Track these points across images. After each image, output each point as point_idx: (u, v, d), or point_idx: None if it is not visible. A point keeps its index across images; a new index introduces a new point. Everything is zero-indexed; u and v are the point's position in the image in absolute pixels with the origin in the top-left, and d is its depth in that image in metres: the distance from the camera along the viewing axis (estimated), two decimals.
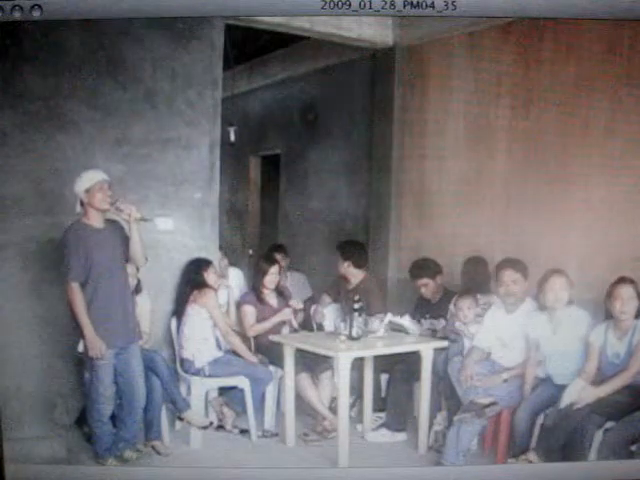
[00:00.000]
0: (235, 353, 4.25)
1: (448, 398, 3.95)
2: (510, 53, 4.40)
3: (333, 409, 4.12)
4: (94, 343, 3.47)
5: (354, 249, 4.74)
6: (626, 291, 3.50)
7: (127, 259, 3.66)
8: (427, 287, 4.40)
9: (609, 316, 3.56)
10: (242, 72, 6.54)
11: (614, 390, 3.44)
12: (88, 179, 3.51)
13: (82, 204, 3.54)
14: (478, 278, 4.25)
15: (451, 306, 4.13)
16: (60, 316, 3.71)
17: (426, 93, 5.00)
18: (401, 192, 5.23)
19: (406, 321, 4.17)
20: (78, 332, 3.48)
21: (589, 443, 3.31)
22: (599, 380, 3.52)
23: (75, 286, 3.46)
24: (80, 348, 3.52)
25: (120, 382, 3.64)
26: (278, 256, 5.08)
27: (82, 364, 3.61)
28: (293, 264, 5.32)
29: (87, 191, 3.51)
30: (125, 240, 3.64)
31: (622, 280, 3.52)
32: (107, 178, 3.55)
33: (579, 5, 2.27)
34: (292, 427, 4.06)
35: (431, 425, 3.94)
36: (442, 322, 4.23)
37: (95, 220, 3.55)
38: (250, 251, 6.85)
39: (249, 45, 5.56)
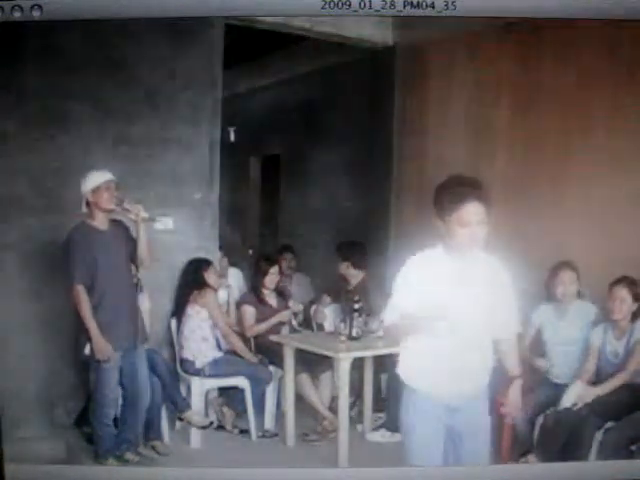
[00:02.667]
0: (235, 353, 4.26)
1: None
2: (510, 53, 4.39)
3: (333, 409, 4.12)
4: (101, 346, 3.46)
5: (353, 250, 4.74)
6: (620, 292, 3.53)
7: (133, 260, 3.66)
8: None
9: (608, 317, 3.59)
10: (242, 72, 6.54)
11: (613, 389, 3.45)
12: (94, 179, 3.50)
13: (88, 204, 3.53)
14: None
15: None
16: (60, 316, 3.71)
17: (426, 93, 4.99)
18: (401, 192, 5.22)
19: None
20: (84, 335, 3.47)
21: (589, 443, 3.31)
22: (598, 380, 3.53)
23: (80, 289, 3.44)
24: (86, 351, 3.49)
25: (125, 384, 3.64)
26: (287, 257, 5.07)
27: (86, 365, 3.59)
28: (298, 264, 5.33)
29: (93, 191, 3.49)
30: (130, 241, 3.63)
31: (617, 281, 3.54)
32: (113, 178, 3.53)
33: (579, 5, 2.27)
34: (292, 427, 4.07)
35: None
36: None
37: (100, 221, 3.54)
38: (250, 251, 6.86)
39: (249, 45, 5.56)
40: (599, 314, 3.68)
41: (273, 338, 4.25)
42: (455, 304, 2.35)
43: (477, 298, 2.44)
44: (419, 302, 2.41)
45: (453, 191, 2.44)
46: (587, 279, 3.74)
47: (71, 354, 3.71)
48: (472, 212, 2.40)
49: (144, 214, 3.59)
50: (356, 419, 4.28)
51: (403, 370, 2.68)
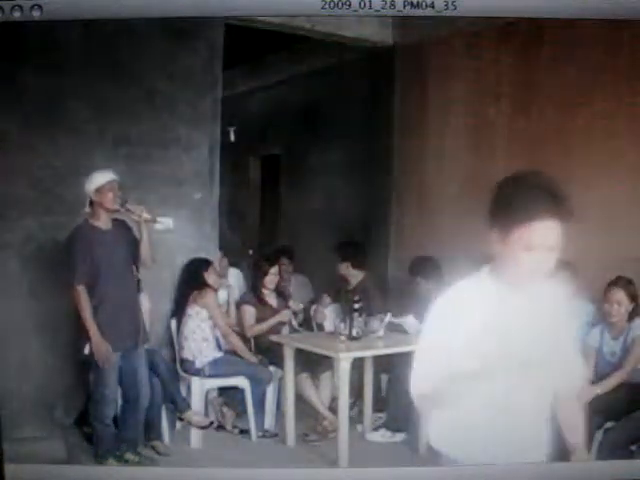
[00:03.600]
0: (235, 353, 4.26)
1: None
2: (510, 53, 4.40)
3: (333, 409, 4.12)
4: (100, 347, 3.46)
5: (353, 250, 4.75)
6: (617, 294, 3.53)
7: (134, 260, 3.66)
8: (420, 286, 4.41)
9: (605, 318, 3.60)
10: (242, 72, 6.54)
11: (611, 387, 3.45)
12: (98, 179, 3.50)
13: (91, 204, 3.53)
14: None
15: None
16: (61, 316, 3.71)
17: (426, 93, 5.00)
18: (401, 192, 5.22)
19: (409, 320, 4.15)
20: (84, 335, 3.47)
21: (589, 443, 3.32)
22: (597, 380, 3.54)
23: (81, 289, 3.44)
24: (86, 350, 3.49)
25: (125, 384, 3.64)
26: (284, 259, 5.07)
27: (86, 365, 3.60)
28: (295, 266, 5.33)
29: (97, 191, 3.50)
30: (133, 241, 3.64)
31: (614, 283, 3.54)
32: (117, 178, 3.54)
33: (579, 5, 2.27)
34: (292, 427, 4.07)
35: None
36: None
37: (103, 221, 3.54)
38: (250, 251, 6.86)
39: (249, 45, 5.56)
40: (596, 314, 3.69)
41: (273, 338, 4.24)
42: (507, 352, 1.71)
43: (535, 342, 1.77)
44: (458, 355, 1.71)
45: (522, 201, 1.72)
46: (584, 278, 3.73)
47: (71, 354, 3.71)
48: (544, 233, 1.71)
49: (147, 215, 3.60)
50: (356, 419, 4.27)
51: (437, 437, 1.98)
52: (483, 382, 1.72)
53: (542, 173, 1.83)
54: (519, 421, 1.82)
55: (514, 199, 1.73)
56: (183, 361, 4.17)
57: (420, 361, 1.82)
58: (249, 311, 4.50)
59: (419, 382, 1.81)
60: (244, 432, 4.20)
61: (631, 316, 3.54)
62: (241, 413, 4.23)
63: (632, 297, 3.54)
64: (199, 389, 4.09)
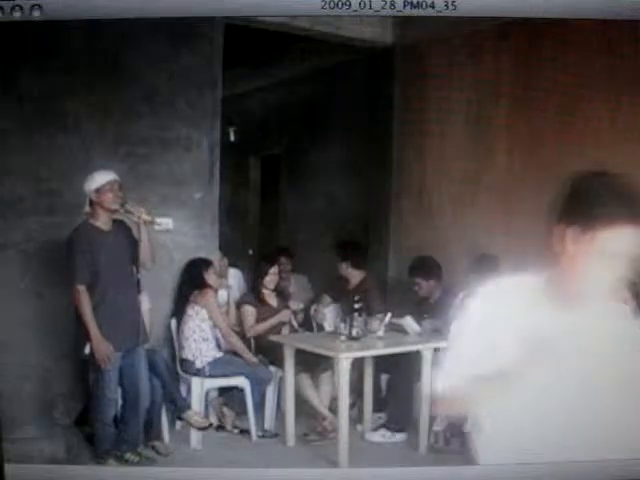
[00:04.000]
0: (235, 353, 4.26)
1: None
2: (510, 53, 4.40)
3: (333, 409, 4.12)
4: (100, 347, 3.46)
5: (352, 250, 4.75)
6: (621, 293, 3.52)
7: (134, 261, 3.66)
8: (420, 287, 4.41)
9: None
10: (242, 72, 6.53)
11: None
12: (98, 179, 3.50)
13: (91, 204, 3.53)
14: (487, 276, 4.24)
15: (457, 301, 4.10)
16: (60, 316, 3.71)
17: (426, 93, 4.99)
18: (401, 192, 5.22)
19: (407, 321, 4.16)
20: (84, 335, 3.47)
21: None
22: None
23: (81, 289, 3.45)
24: (86, 350, 3.50)
25: (125, 384, 3.64)
26: (283, 259, 5.08)
27: (86, 365, 3.60)
28: (295, 265, 5.33)
29: (97, 191, 3.50)
30: (133, 242, 3.63)
31: None
32: (118, 179, 3.54)
33: (579, 5, 2.27)
34: (292, 427, 4.07)
35: (431, 425, 3.94)
36: (441, 321, 4.22)
37: (103, 221, 3.54)
38: (250, 251, 6.85)
39: (249, 45, 5.56)
40: None
41: (273, 338, 4.25)
42: (563, 365, 1.56)
43: (597, 361, 1.63)
44: (496, 355, 1.57)
45: (605, 201, 1.58)
46: None
47: (71, 354, 3.71)
48: (624, 241, 1.56)
49: (146, 216, 3.60)
50: (356, 419, 4.27)
51: (486, 452, 1.82)
52: (530, 390, 1.58)
53: (622, 178, 1.68)
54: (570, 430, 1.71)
55: (600, 198, 1.59)
56: (183, 361, 4.17)
57: (452, 362, 1.67)
58: (249, 311, 4.50)
59: (451, 381, 1.65)
60: (244, 432, 4.20)
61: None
62: (241, 413, 4.23)
63: (635, 296, 3.54)
64: (199, 389, 4.09)
